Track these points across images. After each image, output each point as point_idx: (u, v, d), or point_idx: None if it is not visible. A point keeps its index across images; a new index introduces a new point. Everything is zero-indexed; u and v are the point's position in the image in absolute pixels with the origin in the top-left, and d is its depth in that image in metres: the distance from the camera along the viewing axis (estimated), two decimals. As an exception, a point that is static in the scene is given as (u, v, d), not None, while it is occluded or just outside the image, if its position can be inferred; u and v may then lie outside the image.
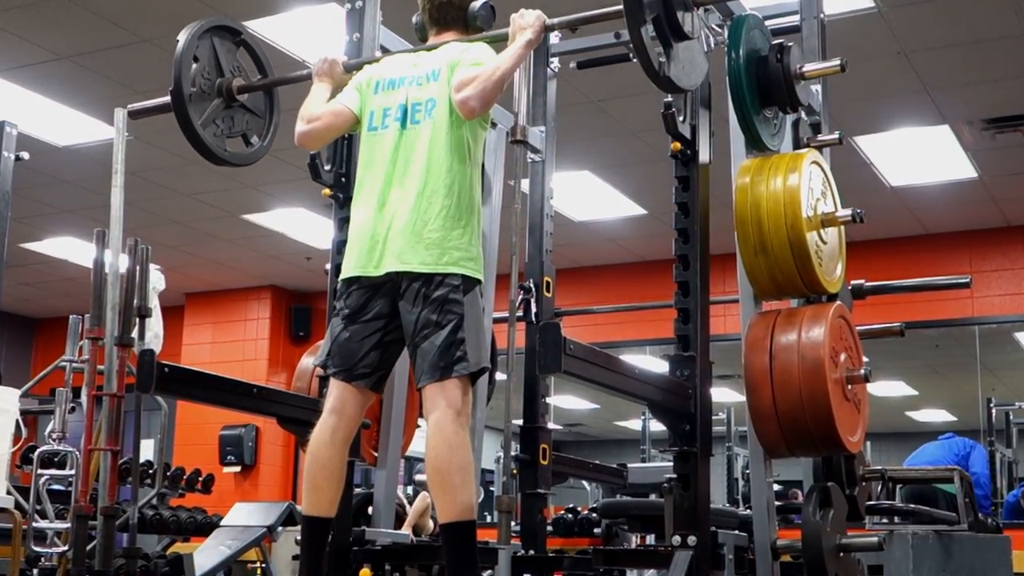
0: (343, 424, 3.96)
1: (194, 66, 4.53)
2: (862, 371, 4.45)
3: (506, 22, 4.05)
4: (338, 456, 3.94)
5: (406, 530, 7.85)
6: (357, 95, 4.12)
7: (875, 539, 4.48)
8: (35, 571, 6.52)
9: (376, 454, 4.94)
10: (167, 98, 4.53)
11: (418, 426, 5.78)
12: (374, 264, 3.87)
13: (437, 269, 3.80)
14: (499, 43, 4.06)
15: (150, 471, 8.37)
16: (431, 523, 8.67)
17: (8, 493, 6.46)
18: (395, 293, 3.86)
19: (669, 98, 4.35)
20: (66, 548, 6.18)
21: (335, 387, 3.98)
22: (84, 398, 6.28)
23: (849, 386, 4.39)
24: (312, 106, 4.18)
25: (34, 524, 6.43)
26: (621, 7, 3.59)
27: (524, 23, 3.96)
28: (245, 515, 7.99)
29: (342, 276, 3.98)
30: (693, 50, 3.84)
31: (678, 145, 4.40)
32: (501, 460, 4.44)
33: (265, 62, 4.86)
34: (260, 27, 7.61)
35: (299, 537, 4.08)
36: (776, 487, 4.64)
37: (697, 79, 3.96)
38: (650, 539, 7.84)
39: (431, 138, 3.90)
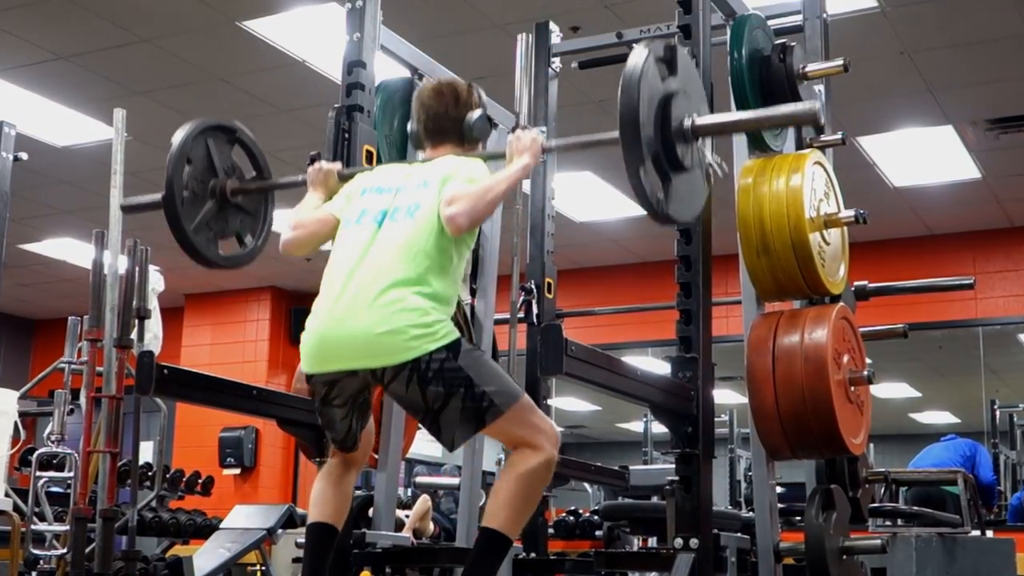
0: (354, 468, 4.00)
1: (187, 168, 4.44)
2: (865, 373, 4.45)
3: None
4: (347, 488, 3.99)
5: (406, 533, 7.85)
6: (344, 202, 4.03)
7: (878, 542, 4.48)
8: (34, 574, 6.53)
9: (376, 457, 4.93)
10: (159, 196, 4.47)
11: (419, 427, 5.78)
12: (335, 362, 3.72)
13: (418, 354, 3.58)
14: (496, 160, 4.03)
15: (149, 473, 8.38)
16: (431, 526, 8.69)
17: (6, 495, 6.46)
18: (364, 377, 3.73)
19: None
20: (65, 551, 6.19)
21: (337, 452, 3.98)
22: (83, 400, 6.29)
23: (852, 388, 4.40)
24: (301, 213, 4.13)
25: (33, 527, 6.42)
26: (617, 134, 3.48)
27: (522, 146, 3.86)
28: (245, 517, 8.00)
29: (302, 368, 3.84)
30: (693, 181, 3.78)
31: (680, 145, 4.39)
32: (502, 462, 4.43)
33: (260, 159, 4.78)
34: (260, 27, 7.62)
35: (300, 540, 4.07)
36: (779, 489, 4.64)
37: (697, 208, 3.88)
38: (652, 542, 7.85)
39: (407, 236, 3.72)
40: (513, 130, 4.03)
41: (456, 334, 3.65)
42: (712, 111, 4.42)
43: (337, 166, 4.33)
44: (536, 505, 3.80)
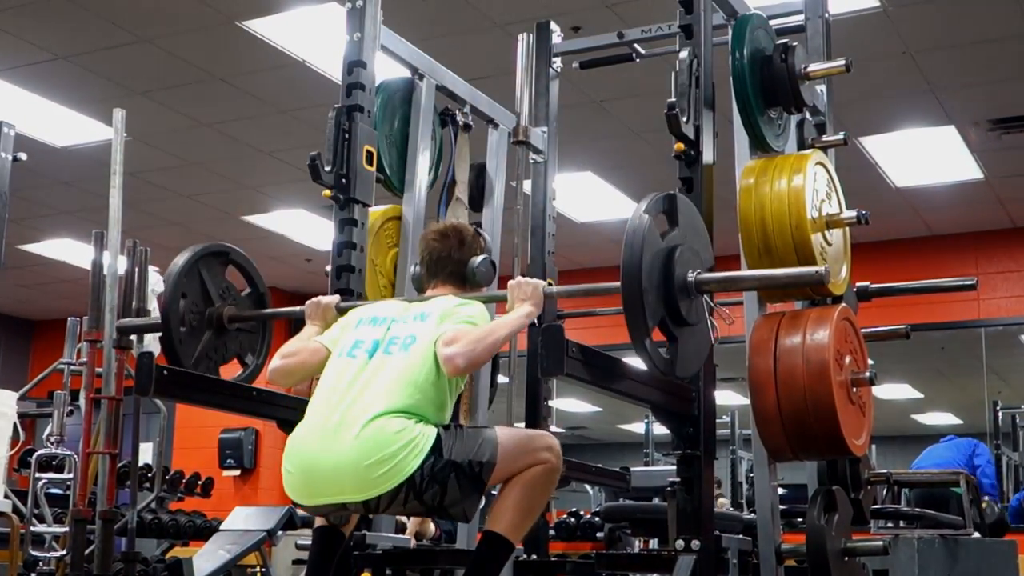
0: None
1: (182, 302, 4.44)
2: (867, 374, 4.45)
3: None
4: None
5: (408, 535, 7.85)
6: (339, 332, 3.99)
7: (880, 543, 4.47)
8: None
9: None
10: (157, 320, 4.46)
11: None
12: (323, 495, 3.66)
13: (411, 471, 3.52)
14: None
15: (149, 474, 8.37)
16: (432, 527, 8.68)
17: (5, 497, 6.46)
18: (356, 507, 3.68)
19: (672, 98, 4.35)
20: (64, 552, 6.18)
21: None
22: (82, 401, 6.28)
23: (854, 389, 4.39)
24: (293, 343, 4.09)
25: (32, 528, 6.42)
26: (618, 284, 3.50)
27: (523, 294, 3.86)
28: (245, 519, 8.00)
29: (290, 496, 3.78)
30: (698, 334, 3.80)
31: (681, 146, 4.39)
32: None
33: (255, 275, 4.77)
34: (260, 26, 7.62)
35: (300, 542, 4.07)
36: (781, 491, 4.64)
37: (703, 356, 3.94)
38: (653, 543, 7.85)
39: (401, 369, 3.67)
40: (509, 278, 4.00)
41: (432, 431, 3.58)
42: (713, 111, 4.42)
43: (335, 299, 4.31)
44: (539, 513, 3.81)
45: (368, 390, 3.63)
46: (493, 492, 3.77)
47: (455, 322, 3.72)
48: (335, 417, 3.61)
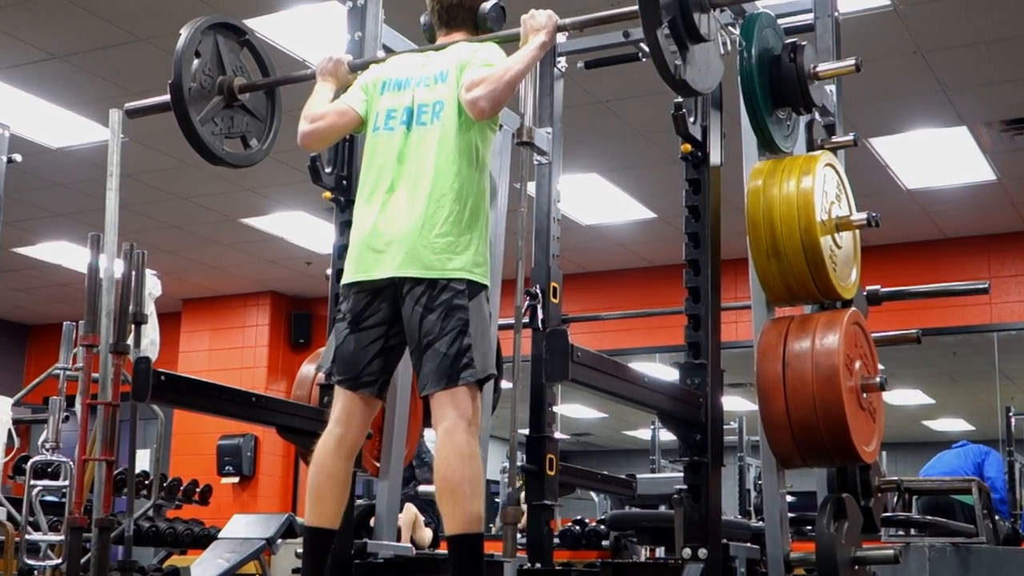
0: (350, 434, 3.95)
1: (195, 62, 4.53)
2: (877, 379, 4.45)
3: (516, 22, 4.04)
4: (344, 466, 3.94)
5: (403, 542, 7.84)
6: (363, 95, 4.11)
7: (891, 552, 4.47)
8: (28, 584, 6.53)
9: (378, 464, 4.93)
10: (166, 97, 4.54)
11: (421, 435, 5.78)
12: (376, 268, 3.86)
13: (442, 274, 3.79)
14: (509, 44, 4.06)
15: (146, 482, 8.37)
16: (427, 534, 8.67)
17: (0, 504, 6.47)
18: (397, 297, 3.86)
19: (679, 99, 4.35)
20: (60, 561, 6.18)
21: (341, 396, 3.97)
22: (78, 407, 6.28)
23: (864, 394, 4.39)
24: (315, 105, 4.16)
25: (27, 536, 6.43)
26: (636, 7, 3.58)
27: (536, 24, 3.95)
28: (244, 527, 8.00)
29: (344, 280, 3.97)
30: (709, 52, 3.85)
31: (688, 147, 4.40)
32: (507, 470, 4.44)
33: (269, 64, 4.88)
34: (260, 26, 7.62)
35: (300, 550, 4.08)
36: (789, 498, 4.64)
37: (713, 81, 3.97)
38: (660, 552, 7.85)
39: (439, 140, 3.89)
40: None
41: (484, 281, 3.89)
42: (720, 111, 4.43)
43: (348, 57, 4.42)
44: (483, 481, 3.80)
45: (417, 167, 3.90)
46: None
47: (473, 68, 3.88)
48: (396, 194, 3.90)
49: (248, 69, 4.82)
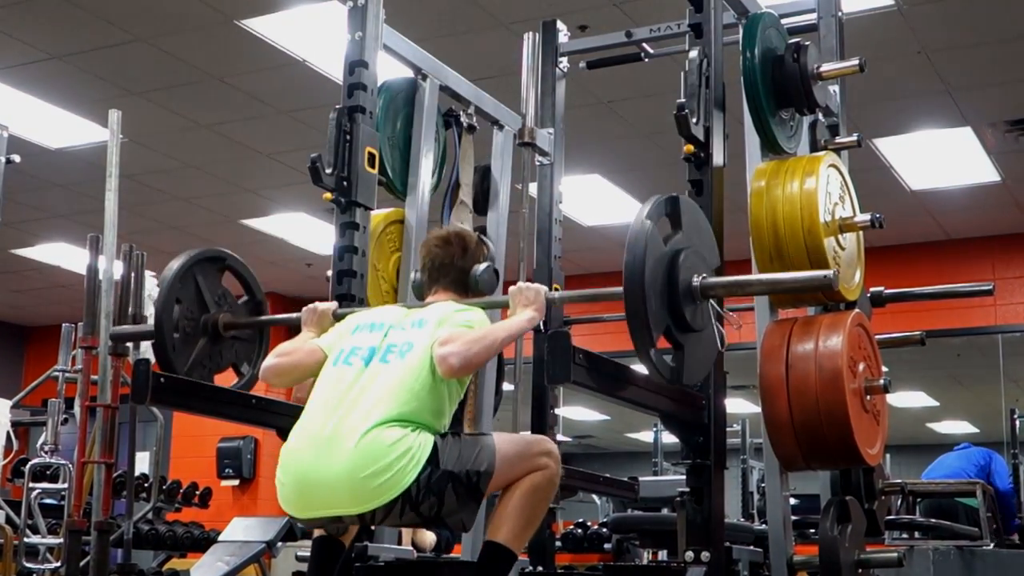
0: None
1: (176, 308, 4.45)
2: (881, 381, 4.44)
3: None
4: None
5: (405, 545, 7.85)
6: (335, 338, 3.98)
7: (895, 555, 4.47)
8: (27, 587, 6.53)
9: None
10: (151, 327, 4.48)
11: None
12: (323, 507, 3.63)
13: (407, 484, 3.50)
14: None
15: (145, 484, 8.36)
16: (430, 537, 8.67)
17: (-1, 507, 6.48)
18: (351, 519, 3.68)
19: (682, 99, 4.35)
20: (59, 564, 6.20)
21: None
22: (77, 409, 6.30)
23: (868, 397, 4.39)
24: (288, 343, 4.06)
25: (25, 539, 6.44)
26: (620, 290, 3.51)
27: (526, 299, 3.87)
28: (243, 530, 8.00)
29: (285, 509, 3.76)
30: (704, 339, 3.80)
31: (691, 147, 4.39)
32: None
33: (252, 282, 4.79)
34: (260, 26, 7.63)
35: (300, 553, 4.07)
36: (793, 501, 4.64)
37: (710, 363, 3.95)
38: (662, 555, 7.86)
39: (397, 379, 3.65)
40: (513, 283, 4.00)
41: (429, 440, 3.56)
42: (723, 111, 4.43)
43: (333, 306, 4.31)
44: (540, 519, 3.80)
45: (363, 399, 3.61)
46: (496, 493, 3.77)
47: (452, 326, 3.72)
48: (329, 427, 3.58)
49: (231, 293, 4.73)
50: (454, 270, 4.09)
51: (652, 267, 3.50)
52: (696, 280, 3.66)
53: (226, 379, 4.71)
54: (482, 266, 4.11)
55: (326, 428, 3.58)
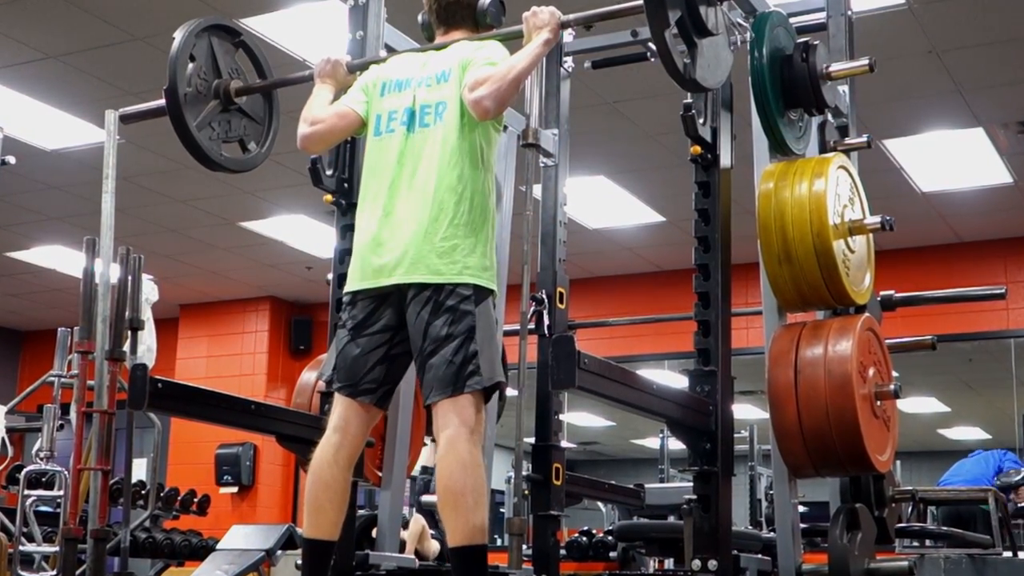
0: (347, 442, 3.94)
1: (190, 66, 4.53)
2: (892, 387, 4.45)
3: (517, 20, 4.04)
4: (342, 476, 3.93)
5: (408, 554, 7.84)
6: (363, 96, 4.11)
7: (905, 563, 4.47)
8: (22, 596, 6.53)
9: (380, 474, 4.94)
10: (161, 102, 4.54)
11: (424, 444, 5.78)
12: (380, 274, 3.86)
13: (448, 279, 3.78)
14: (511, 41, 4.06)
15: (142, 492, 8.38)
16: (434, 546, 8.67)
17: (-7, 514, 6.48)
18: (402, 304, 3.85)
19: (689, 99, 4.35)
20: (54, 573, 6.20)
21: (339, 403, 3.97)
22: (73, 415, 6.31)
23: (878, 402, 4.39)
24: (315, 108, 4.16)
25: (20, 547, 6.44)
26: (641, 3, 3.58)
27: (539, 22, 3.94)
28: (243, 538, 8.00)
29: (347, 288, 3.96)
30: (718, 46, 3.85)
31: (698, 148, 4.40)
32: (512, 480, 4.44)
33: (265, 65, 4.87)
34: (259, 25, 7.62)
35: (299, 561, 4.08)
36: (801, 508, 4.64)
37: (723, 76, 3.96)
38: (669, 563, 7.84)
39: (441, 141, 3.89)
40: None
41: (491, 285, 3.87)
42: (731, 112, 4.43)
43: (347, 57, 4.41)
44: (486, 491, 3.80)
45: (419, 169, 3.89)
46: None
47: (476, 67, 3.87)
48: (398, 199, 3.89)
49: (244, 71, 4.81)
50: (460, 7, 4.18)
51: None
52: None
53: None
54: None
55: (394, 200, 3.90)
